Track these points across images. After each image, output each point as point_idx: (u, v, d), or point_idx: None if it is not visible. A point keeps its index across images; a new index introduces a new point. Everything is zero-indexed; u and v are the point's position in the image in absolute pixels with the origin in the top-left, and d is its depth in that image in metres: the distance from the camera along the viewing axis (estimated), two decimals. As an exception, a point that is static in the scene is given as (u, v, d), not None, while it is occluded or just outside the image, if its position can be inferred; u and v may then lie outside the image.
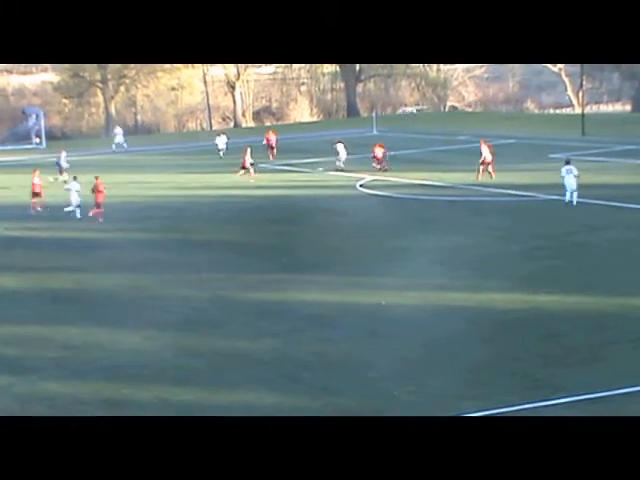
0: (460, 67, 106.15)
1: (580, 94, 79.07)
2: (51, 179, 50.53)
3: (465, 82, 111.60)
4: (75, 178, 41.92)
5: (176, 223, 38.85)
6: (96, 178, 40.50)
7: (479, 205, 39.83)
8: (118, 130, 75.91)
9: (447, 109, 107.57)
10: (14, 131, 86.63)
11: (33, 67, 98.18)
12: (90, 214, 39.44)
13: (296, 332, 22.76)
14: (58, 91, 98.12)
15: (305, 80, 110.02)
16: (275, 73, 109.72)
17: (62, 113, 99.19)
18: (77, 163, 57.64)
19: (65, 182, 48.81)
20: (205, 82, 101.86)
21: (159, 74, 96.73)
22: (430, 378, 19.13)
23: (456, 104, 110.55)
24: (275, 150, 60.23)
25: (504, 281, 26.37)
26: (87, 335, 23.45)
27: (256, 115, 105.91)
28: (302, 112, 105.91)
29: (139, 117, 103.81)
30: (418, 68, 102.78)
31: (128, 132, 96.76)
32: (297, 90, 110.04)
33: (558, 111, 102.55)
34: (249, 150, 51.55)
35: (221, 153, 62.01)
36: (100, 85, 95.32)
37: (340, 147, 52.71)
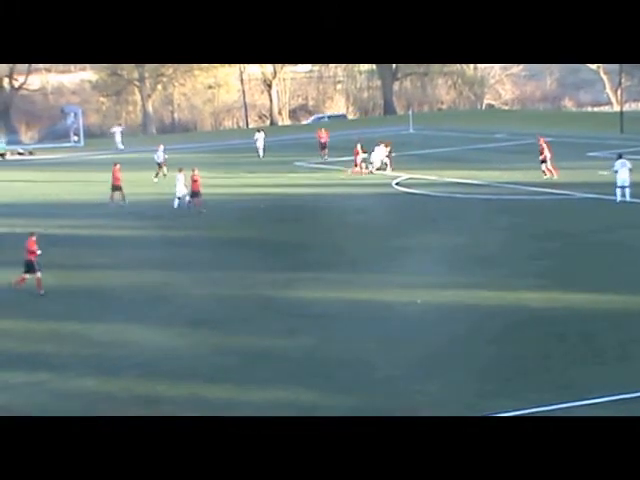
0: (497, 65, 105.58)
1: (619, 92, 78.46)
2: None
3: (502, 80, 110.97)
4: (180, 170, 42.56)
5: (209, 221, 39.05)
6: (192, 170, 41.45)
7: (515, 204, 39.64)
8: (116, 129, 74.55)
9: (484, 107, 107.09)
10: (53, 129, 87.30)
11: (72, 66, 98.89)
12: (194, 206, 40.63)
13: (326, 330, 22.84)
14: (96, 89, 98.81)
15: (341, 78, 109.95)
16: (311, 72, 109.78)
17: (100, 111, 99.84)
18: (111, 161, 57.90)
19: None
20: (242, 80, 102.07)
21: (196, 72, 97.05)
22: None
23: (493, 102, 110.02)
24: (327, 149, 58.14)
25: (537, 279, 26.31)
26: (120, 332, 23.68)
27: (292, 113, 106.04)
28: (338, 110, 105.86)
29: (176, 115, 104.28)
30: (455, 66, 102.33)
31: (165, 130, 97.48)
32: (333, 88, 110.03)
33: (596, 109, 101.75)
34: (359, 146, 50.69)
35: (260, 152, 60.70)
36: (137, 83, 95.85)
37: (377, 149, 52.00)
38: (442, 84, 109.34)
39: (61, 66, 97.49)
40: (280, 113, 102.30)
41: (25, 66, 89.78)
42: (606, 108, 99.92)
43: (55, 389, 19.81)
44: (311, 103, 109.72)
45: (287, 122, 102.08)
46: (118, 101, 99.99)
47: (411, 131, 73.43)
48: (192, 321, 24.17)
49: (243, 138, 71.14)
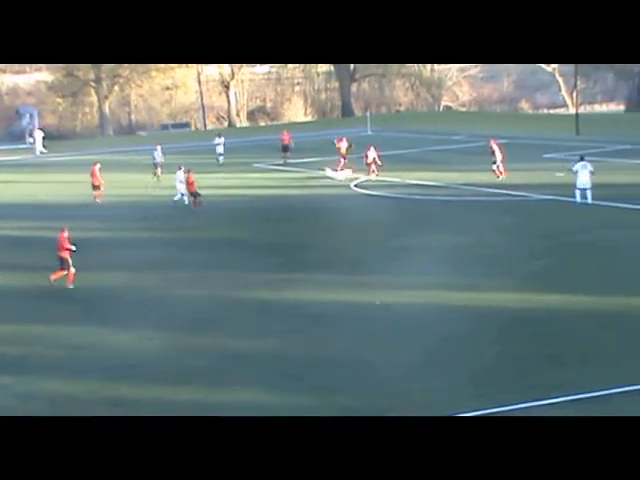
0: (454, 67, 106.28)
1: (574, 94, 79.19)
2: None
3: (459, 82, 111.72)
4: (180, 168, 43.09)
5: (180, 222, 38.93)
6: (188, 172, 42.21)
7: (474, 205, 39.89)
8: (38, 134, 72.80)
9: (442, 109, 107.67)
10: (9, 130, 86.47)
11: (27, 66, 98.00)
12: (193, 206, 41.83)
13: (293, 332, 22.83)
14: (52, 90, 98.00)
15: (299, 80, 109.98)
16: (269, 73, 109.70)
17: (56, 112, 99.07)
18: (72, 162, 57.63)
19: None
20: (199, 82, 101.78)
21: (153, 73, 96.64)
22: (433, 378, 19.24)
23: (450, 104, 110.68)
24: (289, 151, 57.36)
25: (505, 279, 26.48)
26: (88, 334, 23.51)
27: (250, 115, 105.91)
28: (296, 112, 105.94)
29: (133, 117, 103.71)
30: (412, 68, 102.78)
31: (122, 132, 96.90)
32: (291, 90, 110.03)
33: (552, 111, 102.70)
34: (372, 147, 50.07)
35: (221, 159, 59.15)
36: (94, 84, 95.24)
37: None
38: (400, 85, 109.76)
39: (16, 66, 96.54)
40: (238, 115, 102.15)
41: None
42: (562, 110, 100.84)
43: (19, 392, 19.58)
44: (269, 105, 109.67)
45: (245, 124, 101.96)
46: (74, 102, 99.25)
47: (369, 133, 73.60)
48: (159, 324, 24.08)
49: (201, 140, 70.93)
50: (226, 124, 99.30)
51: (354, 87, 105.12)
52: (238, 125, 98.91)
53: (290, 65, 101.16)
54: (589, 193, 37.78)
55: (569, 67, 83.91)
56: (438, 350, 20.96)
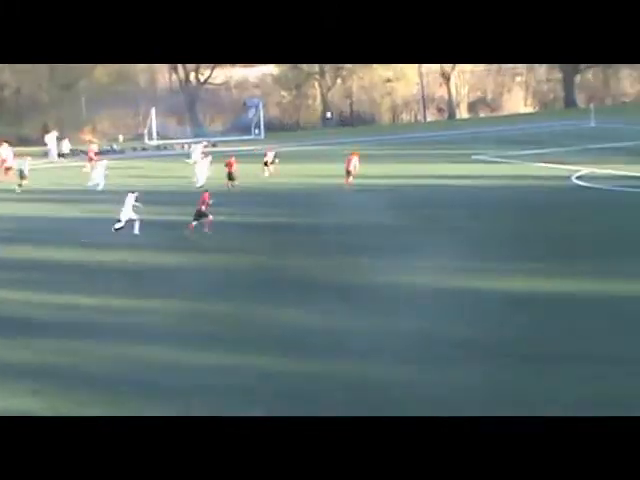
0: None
1: None
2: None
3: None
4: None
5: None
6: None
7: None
8: (51, 138, 67.25)
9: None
10: (236, 122, 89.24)
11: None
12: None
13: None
14: (277, 83, 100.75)
15: (521, 71, 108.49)
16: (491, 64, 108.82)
17: (280, 104, 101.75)
18: (294, 154, 58.84)
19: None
20: (420, 74, 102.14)
21: (375, 65, 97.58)
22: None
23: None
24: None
25: None
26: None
27: (471, 106, 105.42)
28: (517, 103, 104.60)
29: (355, 108, 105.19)
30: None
31: (344, 123, 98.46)
32: (512, 81, 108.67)
33: None
34: None
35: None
36: (317, 77, 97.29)
37: None
38: (626, 76, 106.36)
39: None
40: (459, 106, 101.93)
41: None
42: None
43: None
44: (489, 96, 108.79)
45: (465, 115, 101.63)
46: (298, 94, 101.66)
47: (592, 125, 71.92)
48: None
49: (421, 132, 71.25)
50: (446, 116, 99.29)
51: (577, 78, 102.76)
52: (458, 117, 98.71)
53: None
54: None
55: None
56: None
